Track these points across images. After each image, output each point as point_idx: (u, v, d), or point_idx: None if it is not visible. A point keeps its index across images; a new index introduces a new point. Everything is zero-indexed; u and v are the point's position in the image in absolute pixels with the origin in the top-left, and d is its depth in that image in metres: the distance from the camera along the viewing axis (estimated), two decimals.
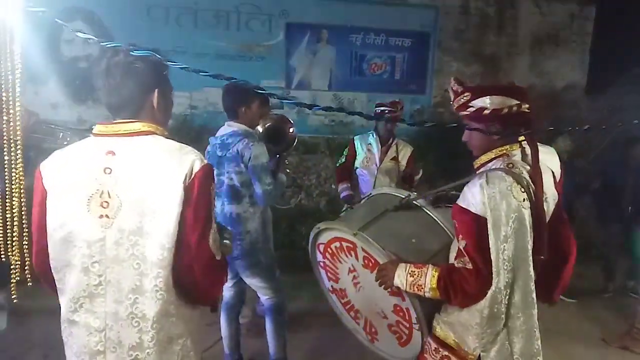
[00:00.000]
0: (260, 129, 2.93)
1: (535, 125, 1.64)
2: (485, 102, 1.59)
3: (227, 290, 2.93)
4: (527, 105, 1.58)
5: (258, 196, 2.59)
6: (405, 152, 3.78)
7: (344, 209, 3.77)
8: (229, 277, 2.88)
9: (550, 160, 2.22)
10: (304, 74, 5.85)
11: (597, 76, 6.29)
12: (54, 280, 1.34)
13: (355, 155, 3.80)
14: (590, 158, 5.30)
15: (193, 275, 1.33)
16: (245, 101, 2.62)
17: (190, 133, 5.13)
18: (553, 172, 1.74)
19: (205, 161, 1.35)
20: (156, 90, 1.40)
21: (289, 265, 3.82)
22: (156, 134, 1.36)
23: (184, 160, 1.30)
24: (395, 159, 3.71)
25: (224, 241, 1.56)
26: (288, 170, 2.91)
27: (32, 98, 5.16)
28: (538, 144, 2.51)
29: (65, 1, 4.98)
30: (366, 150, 3.76)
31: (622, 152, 4.43)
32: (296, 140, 3.06)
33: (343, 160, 3.92)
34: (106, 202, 1.27)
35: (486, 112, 1.59)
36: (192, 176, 1.30)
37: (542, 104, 5.92)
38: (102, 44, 1.27)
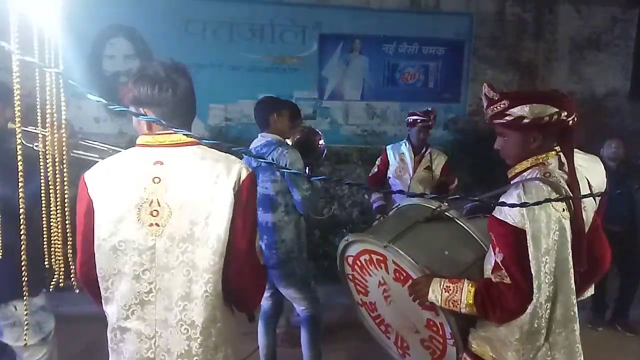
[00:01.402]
0: (289, 142, 2.98)
1: (575, 133, 1.58)
2: (524, 110, 1.53)
3: (265, 300, 2.96)
4: (566, 113, 1.53)
5: (297, 203, 2.62)
6: (439, 161, 3.73)
7: (376, 219, 3.75)
8: (267, 286, 2.92)
9: (589, 168, 2.15)
10: (336, 84, 5.88)
11: None
12: (98, 288, 1.38)
13: (388, 164, 3.78)
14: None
15: (244, 281, 1.38)
16: (276, 111, 2.69)
17: (221, 147, 5.23)
18: (588, 181, 1.68)
19: (250, 170, 1.39)
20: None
21: (322, 275, 3.84)
22: (200, 144, 1.40)
23: (232, 168, 1.35)
24: (429, 168, 3.66)
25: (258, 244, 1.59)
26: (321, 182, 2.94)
27: (75, 112, 5.40)
28: (581, 152, 2.44)
29: (108, 19, 5.22)
30: (399, 160, 3.74)
31: None
32: (325, 152, 3.11)
33: (375, 170, 3.91)
34: (156, 210, 1.30)
35: (526, 120, 1.54)
36: (241, 184, 1.34)
37: (582, 111, 5.71)
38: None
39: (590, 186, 1.73)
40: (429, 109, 3.79)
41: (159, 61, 1.44)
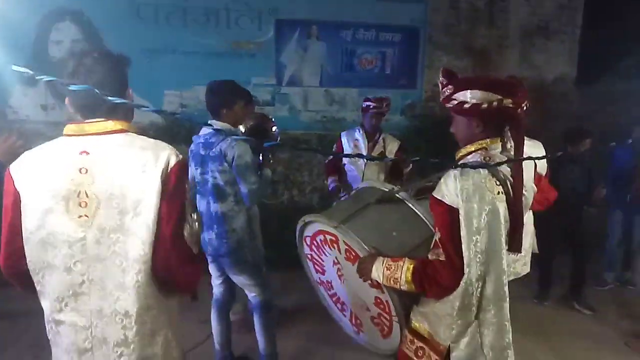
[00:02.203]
0: (242, 128, 2.94)
1: (523, 119, 1.62)
2: (466, 95, 1.57)
3: (217, 287, 2.95)
4: (510, 100, 1.54)
5: (244, 195, 2.60)
6: (392, 147, 3.79)
7: (334, 204, 3.79)
8: (217, 274, 2.90)
9: (532, 154, 2.25)
10: (294, 70, 5.85)
11: (587, 68, 6.29)
12: (29, 282, 1.35)
13: (343, 151, 3.81)
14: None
15: (170, 267, 1.35)
16: (229, 103, 2.62)
17: (181, 132, 5.13)
18: (536, 165, 1.76)
19: (181, 156, 1.37)
20: (128, 91, 1.43)
21: (282, 262, 3.85)
22: (129, 131, 1.38)
23: (160, 155, 1.33)
24: (382, 153, 3.71)
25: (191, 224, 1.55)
26: (274, 166, 2.91)
27: (21, 100, 5.16)
28: (525, 137, 2.53)
29: (54, 2, 4.98)
30: (353, 146, 3.77)
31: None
32: (278, 138, 3.08)
33: (331, 156, 3.94)
34: (84, 201, 1.28)
35: (466, 106, 1.58)
36: (169, 170, 1.32)
37: (532, 97, 5.92)
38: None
39: (535, 170, 1.80)
40: (383, 96, 3.83)
41: (86, 50, 1.40)
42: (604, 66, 6.42)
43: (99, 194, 1.28)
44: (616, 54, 6.36)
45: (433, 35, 5.97)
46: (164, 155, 1.33)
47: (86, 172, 1.28)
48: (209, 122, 2.67)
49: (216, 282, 2.93)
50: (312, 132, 5.89)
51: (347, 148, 3.80)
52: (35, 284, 1.35)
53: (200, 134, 2.71)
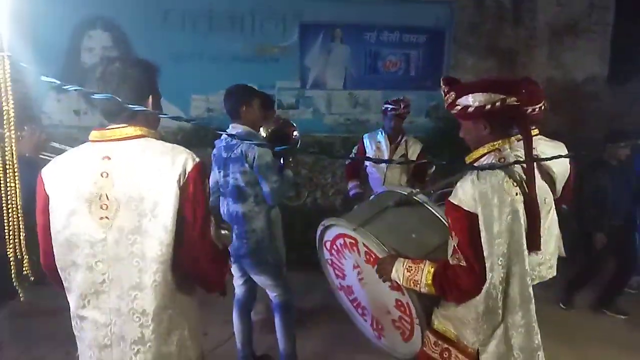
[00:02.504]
0: (263, 133, 2.98)
1: (528, 117, 1.62)
2: (468, 100, 1.59)
3: (239, 288, 3.00)
4: (514, 99, 1.55)
5: (266, 194, 2.64)
6: (414, 149, 3.77)
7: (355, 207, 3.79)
8: (238, 274, 2.95)
9: (553, 155, 2.20)
10: (318, 73, 5.88)
11: (618, 67, 6.10)
12: (61, 279, 1.44)
13: (365, 153, 3.82)
14: None
15: (200, 267, 1.43)
16: (245, 101, 2.68)
17: (208, 135, 5.22)
18: (549, 168, 1.74)
19: (197, 159, 1.42)
20: (150, 96, 1.48)
21: (305, 263, 3.88)
22: (148, 136, 1.43)
23: (177, 159, 1.38)
24: (404, 156, 3.70)
25: (223, 232, 1.62)
26: (296, 168, 2.95)
27: (54, 106, 5.37)
28: (545, 139, 2.49)
29: (86, 9, 5.16)
30: (375, 148, 3.77)
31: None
32: (299, 143, 3.12)
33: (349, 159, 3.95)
34: (105, 204, 1.35)
35: (470, 109, 1.59)
36: (186, 175, 1.37)
37: (562, 97, 5.80)
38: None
39: (551, 173, 1.78)
40: (401, 97, 3.82)
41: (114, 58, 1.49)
42: (636, 65, 6.22)
43: (118, 196, 1.35)
44: None
45: (458, 36, 5.91)
46: (181, 158, 1.38)
47: (107, 176, 1.36)
48: (230, 125, 2.74)
49: (238, 283, 2.98)
50: (336, 134, 5.91)
51: (370, 150, 3.80)
52: (63, 281, 1.44)
53: (222, 137, 2.78)
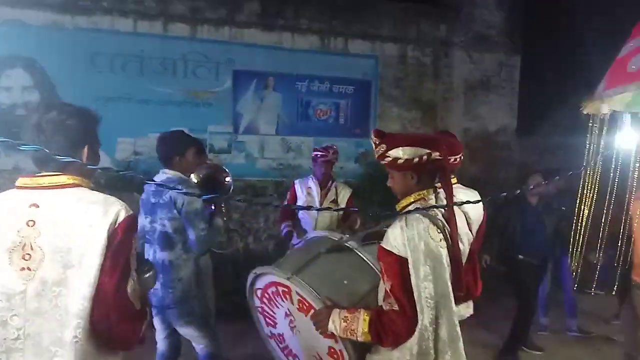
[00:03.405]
0: (194, 178, 2.95)
1: (448, 168, 1.77)
2: (398, 152, 1.71)
3: (162, 342, 2.85)
4: (437, 154, 1.70)
5: (191, 242, 2.59)
6: (344, 194, 3.90)
7: (289, 247, 3.80)
8: (162, 327, 2.81)
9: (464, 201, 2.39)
10: (251, 119, 5.96)
11: (526, 119, 6.79)
12: None
13: (296, 198, 3.88)
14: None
15: (109, 323, 1.33)
16: (179, 150, 2.66)
17: (134, 179, 5.05)
18: (466, 214, 1.88)
19: (131, 211, 1.39)
20: (86, 147, 1.44)
21: (236, 311, 3.78)
22: (82, 186, 1.40)
23: (109, 210, 1.34)
24: (334, 201, 3.81)
25: (145, 275, 1.55)
26: (225, 218, 2.91)
27: None
28: (462, 187, 2.69)
29: (5, 48, 4.92)
30: (306, 194, 3.85)
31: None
32: (232, 188, 3.11)
33: (285, 203, 4.00)
34: (28, 254, 1.28)
35: (400, 161, 1.71)
36: (116, 225, 1.34)
37: (476, 146, 6.30)
38: None
39: (467, 218, 1.93)
40: (329, 144, 3.98)
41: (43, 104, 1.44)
42: (542, 117, 6.93)
43: (44, 246, 1.28)
44: (552, 106, 6.90)
45: (384, 88, 6.29)
46: (113, 210, 1.35)
47: (33, 224, 1.29)
48: (160, 170, 2.69)
49: (161, 337, 2.83)
50: (269, 179, 5.96)
51: (301, 195, 3.87)
52: None
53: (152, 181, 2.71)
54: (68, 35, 5.13)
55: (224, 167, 3.24)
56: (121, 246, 1.34)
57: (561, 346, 4.36)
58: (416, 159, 1.69)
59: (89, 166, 1.41)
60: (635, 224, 3.15)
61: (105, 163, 5.04)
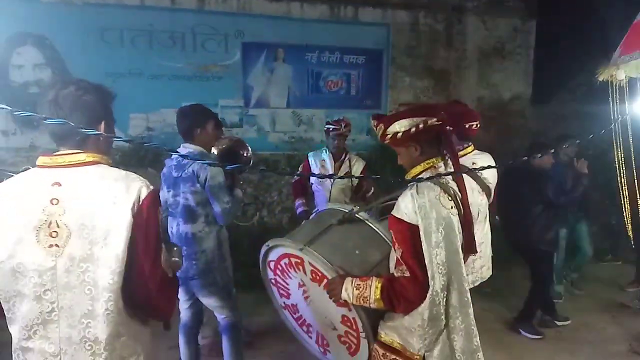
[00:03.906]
0: (215, 150, 2.98)
1: (450, 134, 1.77)
2: (395, 127, 1.74)
3: (185, 311, 2.93)
4: (435, 119, 1.71)
5: (217, 215, 2.63)
6: (358, 167, 3.89)
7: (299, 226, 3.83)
8: (185, 298, 2.90)
9: (482, 164, 2.40)
10: (261, 92, 5.93)
11: (541, 87, 6.64)
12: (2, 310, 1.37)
13: (310, 171, 3.89)
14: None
15: (149, 295, 1.40)
16: (200, 123, 2.68)
17: (148, 155, 5.11)
18: (485, 179, 1.88)
19: (152, 187, 1.42)
20: (103, 122, 1.46)
21: (252, 283, 3.85)
22: (101, 163, 1.42)
23: (131, 187, 1.37)
24: (348, 173, 3.81)
25: (173, 259, 1.62)
26: (244, 187, 2.95)
27: None
28: (478, 152, 2.69)
29: (16, 26, 4.93)
30: (320, 167, 3.85)
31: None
32: (251, 162, 3.13)
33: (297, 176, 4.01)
34: (55, 231, 1.31)
35: (399, 135, 1.73)
36: (140, 203, 1.37)
37: (491, 115, 6.21)
38: None
39: (487, 182, 1.93)
40: (341, 117, 3.96)
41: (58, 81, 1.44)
42: (557, 85, 6.78)
43: (69, 224, 1.32)
44: (568, 73, 6.74)
45: (395, 57, 6.19)
46: (135, 187, 1.38)
47: (57, 202, 1.32)
48: (182, 145, 2.71)
49: (184, 306, 2.92)
50: (281, 152, 5.96)
51: (315, 168, 3.88)
52: (6, 312, 1.36)
53: (172, 156, 2.74)
54: (77, 10, 5.11)
55: (243, 141, 3.25)
56: (150, 223, 1.38)
57: (576, 313, 4.36)
58: (413, 129, 1.71)
59: (115, 138, 1.43)
60: None
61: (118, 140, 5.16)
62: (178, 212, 2.68)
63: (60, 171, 1.36)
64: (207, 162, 2.47)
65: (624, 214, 3.23)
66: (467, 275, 1.72)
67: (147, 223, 1.37)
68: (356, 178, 3.76)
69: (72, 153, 1.38)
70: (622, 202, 3.01)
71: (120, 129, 5.17)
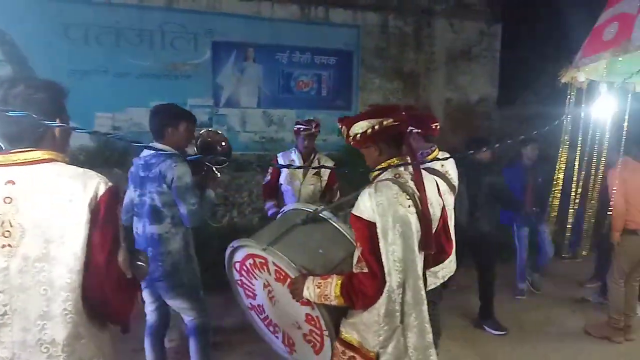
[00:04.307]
0: (190, 149, 2.90)
1: (410, 135, 1.81)
2: (355, 129, 1.79)
3: (151, 314, 2.88)
4: (390, 120, 1.75)
5: (183, 217, 2.59)
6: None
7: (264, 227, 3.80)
8: (151, 300, 2.85)
9: (449, 168, 2.46)
10: (232, 91, 5.90)
11: (506, 89, 6.83)
12: None
13: (279, 172, 3.88)
14: (503, 165, 5.68)
15: (104, 295, 1.36)
16: (173, 123, 2.64)
17: (114, 155, 5.01)
18: (436, 182, 1.93)
19: (110, 184, 1.39)
20: (57, 120, 1.42)
21: (221, 284, 3.82)
22: (57, 161, 1.39)
23: (88, 184, 1.34)
24: (317, 173, 3.82)
25: (139, 263, 1.58)
26: (219, 188, 2.89)
27: None
28: (440, 152, 2.76)
29: None
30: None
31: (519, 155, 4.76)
32: (231, 153, 3.07)
33: (268, 177, 4.00)
34: (8, 231, 1.28)
35: (358, 137, 1.79)
36: (97, 199, 1.34)
37: (458, 116, 6.34)
38: None
39: (438, 186, 1.98)
40: (312, 118, 3.98)
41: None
42: (522, 87, 6.98)
43: (23, 223, 1.28)
44: (532, 76, 6.94)
45: (365, 59, 6.25)
46: (93, 184, 1.35)
47: (11, 201, 1.29)
48: (150, 144, 2.65)
49: (150, 309, 2.87)
50: (251, 152, 5.94)
51: (284, 169, 3.87)
52: None
53: (140, 155, 2.69)
54: (39, 6, 4.98)
55: (219, 132, 3.18)
56: (107, 220, 1.35)
57: (538, 309, 4.51)
58: (369, 130, 1.76)
59: (78, 130, 1.39)
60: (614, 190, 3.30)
61: (83, 139, 5.03)
62: (144, 212, 2.63)
63: (14, 169, 1.32)
64: (193, 156, 2.37)
65: (583, 213, 3.37)
66: (437, 271, 1.76)
67: (104, 220, 1.34)
68: (327, 168, 3.78)
69: (27, 151, 1.34)
70: (575, 200, 3.14)
71: (85, 128, 5.03)
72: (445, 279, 2.76)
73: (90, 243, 1.32)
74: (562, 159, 3.15)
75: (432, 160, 2.58)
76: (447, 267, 2.71)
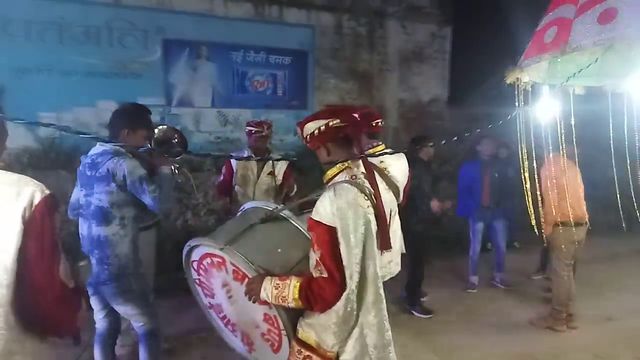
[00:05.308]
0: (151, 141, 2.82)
1: (360, 135, 1.84)
2: (305, 130, 1.81)
3: (100, 322, 2.77)
4: (337, 121, 1.76)
5: (150, 206, 2.51)
6: (281, 166, 3.89)
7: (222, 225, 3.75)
8: (99, 307, 2.73)
9: (394, 164, 2.51)
10: (184, 91, 5.77)
11: (457, 90, 7.06)
12: None
13: (232, 172, 3.83)
14: (455, 162, 5.89)
15: (46, 309, 1.28)
16: (132, 126, 2.56)
17: (60, 157, 4.78)
18: (394, 177, 1.97)
19: (47, 192, 1.31)
20: None
21: (175, 288, 3.73)
22: None
23: (23, 192, 1.27)
24: (271, 173, 3.80)
25: (80, 264, 1.52)
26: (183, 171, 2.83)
27: None
28: (389, 150, 2.82)
29: None
30: (242, 167, 3.80)
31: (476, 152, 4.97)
32: (187, 145, 3.01)
33: (221, 178, 3.94)
34: None
35: (307, 137, 1.81)
36: (33, 209, 1.26)
37: (411, 117, 6.50)
38: None
39: (395, 181, 2.02)
40: (263, 120, 3.96)
41: None
42: (472, 88, 7.22)
43: None
44: (481, 77, 7.20)
45: (320, 59, 6.28)
46: (27, 191, 1.27)
47: None
48: (97, 142, 2.56)
49: (99, 316, 2.75)
50: (206, 153, 5.82)
51: (238, 169, 3.82)
52: None
53: (88, 154, 2.58)
54: None
55: (172, 127, 3.11)
56: (44, 230, 1.27)
57: (489, 302, 4.69)
58: (315, 131, 1.77)
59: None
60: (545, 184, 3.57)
61: (27, 141, 4.77)
62: (90, 213, 2.52)
63: None
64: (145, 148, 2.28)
65: (527, 207, 3.53)
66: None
67: (41, 230, 1.26)
68: (276, 160, 3.76)
69: None
70: (525, 195, 3.29)
71: (27, 129, 4.78)
72: (385, 279, 2.73)
73: (25, 256, 1.24)
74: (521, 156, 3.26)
75: (373, 155, 2.60)
76: (387, 268, 2.63)
